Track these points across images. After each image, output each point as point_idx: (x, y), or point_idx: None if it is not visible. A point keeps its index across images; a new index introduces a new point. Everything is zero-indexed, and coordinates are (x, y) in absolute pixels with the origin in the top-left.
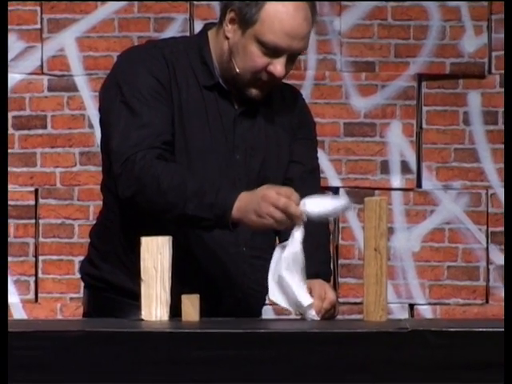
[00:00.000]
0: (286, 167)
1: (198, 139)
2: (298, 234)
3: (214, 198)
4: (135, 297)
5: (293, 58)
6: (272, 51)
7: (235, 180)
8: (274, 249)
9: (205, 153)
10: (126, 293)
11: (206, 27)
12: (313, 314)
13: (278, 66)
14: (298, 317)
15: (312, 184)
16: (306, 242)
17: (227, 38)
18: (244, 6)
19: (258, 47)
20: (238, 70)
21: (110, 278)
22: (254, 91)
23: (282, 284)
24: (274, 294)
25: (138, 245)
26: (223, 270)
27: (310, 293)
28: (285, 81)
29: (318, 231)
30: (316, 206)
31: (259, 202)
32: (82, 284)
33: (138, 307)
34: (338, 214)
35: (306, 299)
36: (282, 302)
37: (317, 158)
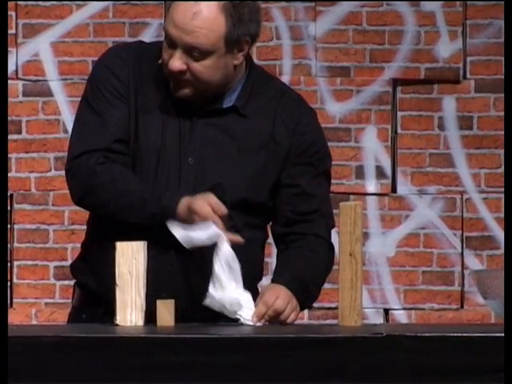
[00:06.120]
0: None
1: (152, 139)
2: (224, 248)
3: (156, 207)
4: (107, 303)
5: (192, 53)
6: (169, 43)
7: (182, 184)
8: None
9: (158, 153)
10: (97, 299)
11: None
12: (247, 319)
13: (172, 59)
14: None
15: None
16: (313, 253)
17: None
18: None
19: (165, 40)
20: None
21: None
22: (178, 90)
23: (217, 289)
24: (212, 300)
25: (108, 251)
26: (197, 272)
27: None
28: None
29: (325, 255)
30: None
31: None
32: (67, 285)
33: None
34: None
35: (237, 305)
36: (219, 307)
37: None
